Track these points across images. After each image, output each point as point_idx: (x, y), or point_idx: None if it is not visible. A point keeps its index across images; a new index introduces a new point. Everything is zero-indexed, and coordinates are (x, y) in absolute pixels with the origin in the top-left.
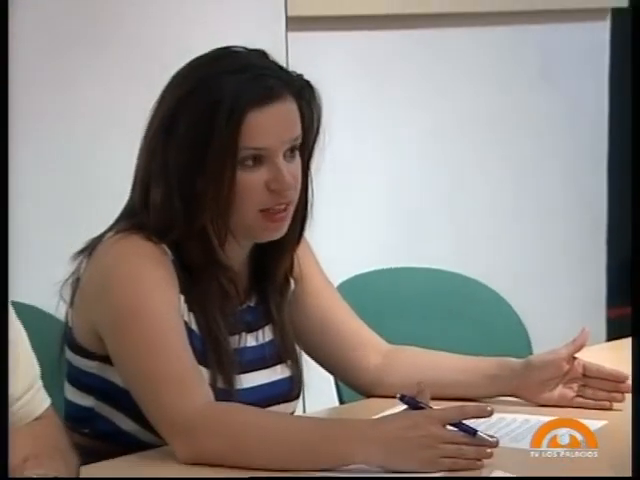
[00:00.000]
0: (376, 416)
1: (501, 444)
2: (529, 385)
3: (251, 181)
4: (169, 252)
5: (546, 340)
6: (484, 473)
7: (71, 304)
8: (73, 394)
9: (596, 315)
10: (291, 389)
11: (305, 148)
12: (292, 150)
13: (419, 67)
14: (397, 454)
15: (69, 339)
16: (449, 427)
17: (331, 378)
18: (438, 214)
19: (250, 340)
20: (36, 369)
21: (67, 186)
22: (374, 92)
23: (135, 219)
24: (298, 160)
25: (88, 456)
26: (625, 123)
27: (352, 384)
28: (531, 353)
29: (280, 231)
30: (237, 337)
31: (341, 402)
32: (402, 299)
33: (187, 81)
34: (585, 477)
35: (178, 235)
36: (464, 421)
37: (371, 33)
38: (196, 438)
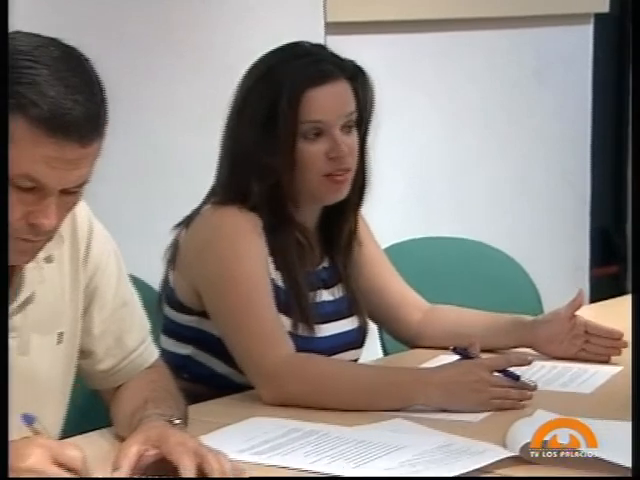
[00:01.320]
0: (422, 365)
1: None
2: (539, 340)
3: (313, 151)
4: (258, 219)
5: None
6: (527, 413)
7: (172, 268)
8: (171, 345)
9: (581, 276)
10: (358, 338)
11: (361, 124)
12: (349, 126)
13: (435, 65)
14: (453, 396)
15: (169, 298)
16: (496, 374)
17: (375, 333)
18: (449, 190)
19: (327, 295)
20: (147, 325)
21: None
22: (399, 88)
23: (224, 192)
24: (355, 134)
25: (187, 399)
26: (605, 113)
27: (398, 336)
28: (542, 310)
29: (341, 193)
30: (316, 293)
31: (385, 354)
32: (432, 264)
33: (257, 69)
34: (585, 477)
35: (261, 203)
36: (509, 368)
37: (394, 36)
38: (280, 384)
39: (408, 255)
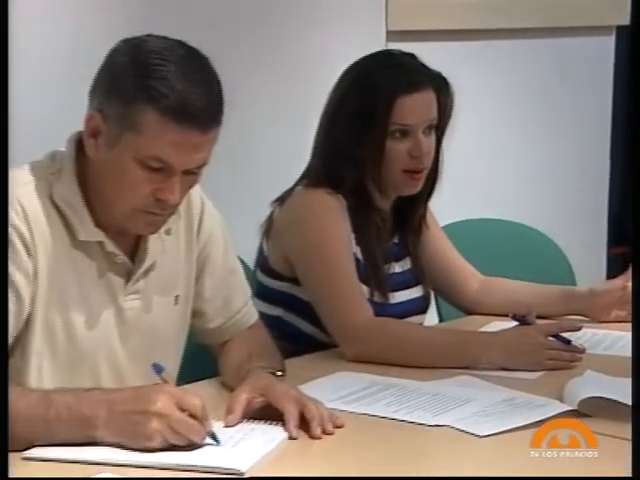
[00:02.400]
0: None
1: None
2: (594, 307)
3: (398, 149)
4: (343, 201)
5: None
6: (577, 373)
7: (267, 239)
8: (263, 307)
9: (600, 255)
10: (423, 305)
11: (439, 128)
12: (429, 128)
13: (475, 69)
14: (513, 357)
15: (263, 265)
16: (550, 338)
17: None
18: (485, 177)
19: (397, 267)
20: (249, 290)
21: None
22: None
23: (316, 177)
24: (433, 137)
25: None
26: (623, 112)
27: (457, 304)
28: (574, 282)
29: (417, 187)
30: (388, 265)
31: (440, 321)
32: (477, 243)
33: (355, 72)
34: (585, 477)
35: (348, 189)
36: (561, 333)
37: (446, 43)
38: (362, 342)
39: (455, 234)
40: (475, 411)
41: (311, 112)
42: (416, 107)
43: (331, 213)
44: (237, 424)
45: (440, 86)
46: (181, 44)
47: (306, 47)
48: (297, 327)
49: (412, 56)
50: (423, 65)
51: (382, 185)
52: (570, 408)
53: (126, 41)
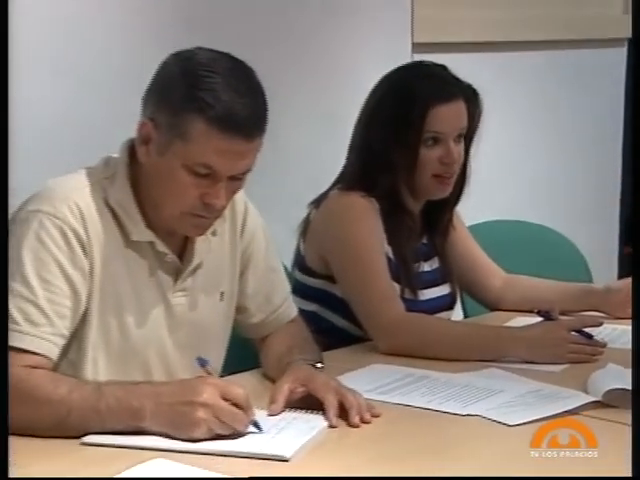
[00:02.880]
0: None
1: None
2: (610, 304)
3: (430, 155)
4: (376, 203)
5: None
6: (600, 366)
7: (303, 240)
8: (300, 303)
9: (611, 253)
10: (450, 302)
11: (467, 136)
12: (459, 136)
13: (497, 78)
14: (537, 350)
15: (300, 264)
16: (573, 333)
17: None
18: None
19: (426, 266)
20: (289, 287)
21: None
22: None
23: (350, 181)
24: (462, 144)
25: None
26: (634, 118)
27: (482, 300)
28: (591, 279)
29: (446, 192)
30: (418, 264)
31: (465, 317)
32: (499, 242)
33: (390, 82)
34: (585, 477)
35: (381, 192)
36: (583, 329)
37: (469, 55)
38: (396, 337)
39: (479, 235)
40: (504, 402)
41: (339, 122)
42: (449, 116)
43: (364, 215)
44: (280, 413)
45: (470, 97)
46: (228, 56)
47: (334, 59)
48: (331, 322)
49: (444, 67)
50: (454, 76)
51: (414, 189)
52: (595, 399)
53: (177, 54)
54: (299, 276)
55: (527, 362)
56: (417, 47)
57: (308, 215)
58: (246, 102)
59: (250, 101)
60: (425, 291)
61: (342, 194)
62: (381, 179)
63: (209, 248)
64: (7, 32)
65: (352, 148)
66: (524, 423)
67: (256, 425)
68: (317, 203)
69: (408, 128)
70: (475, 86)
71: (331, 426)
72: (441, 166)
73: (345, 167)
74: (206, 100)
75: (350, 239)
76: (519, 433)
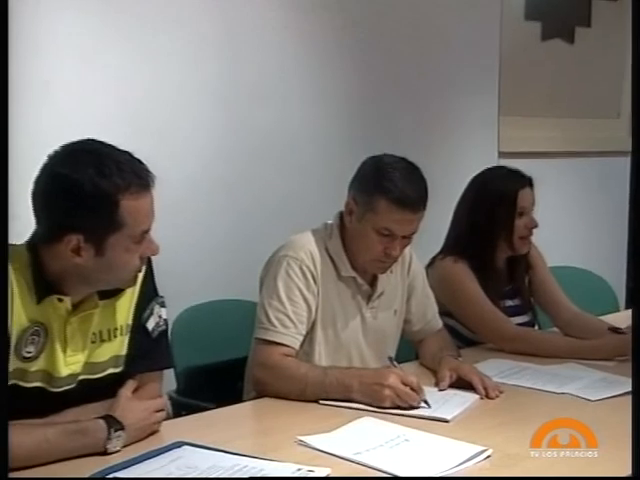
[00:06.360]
0: None
1: None
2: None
3: (519, 224)
4: (471, 269)
5: None
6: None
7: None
8: (444, 319)
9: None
10: (532, 326)
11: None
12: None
13: (558, 180)
14: (604, 355)
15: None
16: None
17: None
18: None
19: (510, 302)
20: (436, 307)
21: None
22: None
23: (457, 249)
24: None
25: None
26: None
27: (555, 326)
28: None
29: (529, 248)
30: (503, 301)
31: None
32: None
33: (482, 181)
34: (585, 477)
35: (481, 257)
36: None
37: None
38: (515, 344)
39: None
40: (584, 385)
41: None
42: (528, 196)
43: (469, 278)
44: (445, 389)
45: (532, 183)
46: (403, 159)
47: (436, 163)
48: (462, 332)
49: (517, 170)
50: (522, 173)
51: (508, 249)
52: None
53: (371, 157)
54: None
55: (595, 360)
56: (502, 155)
57: (426, 272)
58: (414, 188)
59: (416, 187)
60: (511, 318)
61: (451, 260)
62: (485, 248)
63: (389, 281)
64: (7, 32)
65: (457, 224)
66: (602, 399)
67: (425, 402)
68: (431, 263)
69: (506, 208)
70: (540, 180)
71: (481, 398)
72: (526, 230)
73: (452, 238)
74: (389, 187)
75: (462, 290)
76: (595, 406)
